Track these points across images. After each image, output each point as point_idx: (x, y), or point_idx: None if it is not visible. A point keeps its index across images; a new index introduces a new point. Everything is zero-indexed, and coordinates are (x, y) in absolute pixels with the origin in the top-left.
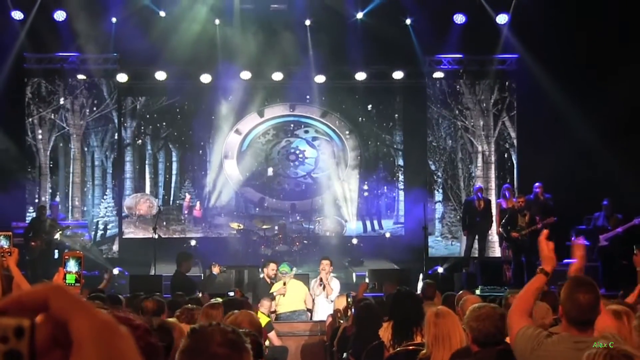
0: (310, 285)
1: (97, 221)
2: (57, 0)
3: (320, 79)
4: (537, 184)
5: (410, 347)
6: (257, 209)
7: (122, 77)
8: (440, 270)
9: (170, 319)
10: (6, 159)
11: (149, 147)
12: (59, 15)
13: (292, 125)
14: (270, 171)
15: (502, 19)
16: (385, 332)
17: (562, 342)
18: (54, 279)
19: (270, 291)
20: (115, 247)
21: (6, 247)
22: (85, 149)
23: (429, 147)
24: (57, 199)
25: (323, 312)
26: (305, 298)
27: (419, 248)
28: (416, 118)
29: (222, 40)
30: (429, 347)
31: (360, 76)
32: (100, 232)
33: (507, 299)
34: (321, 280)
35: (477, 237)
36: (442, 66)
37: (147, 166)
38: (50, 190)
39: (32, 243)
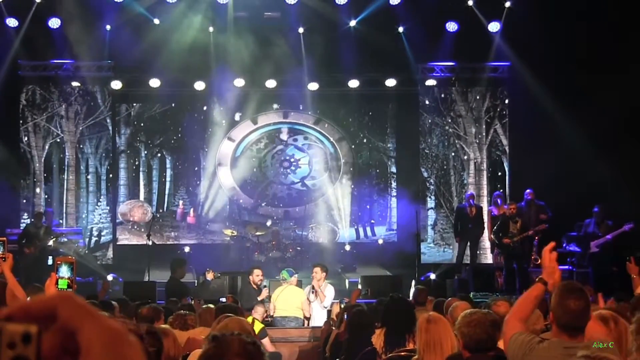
0: (304, 292)
1: (92, 228)
2: (52, 8)
3: (313, 86)
4: (528, 190)
5: (402, 354)
6: (251, 216)
7: (116, 85)
8: (432, 276)
9: (163, 325)
10: (0, 166)
11: (143, 154)
12: (54, 23)
13: (285, 133)
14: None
15: (494, 26)
16: (377, 339)
17: (553, 348)
18: (46, 284)
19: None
20: (110, 254)
21: (0, 253)
22: (80, 155)
23: (422, 154)
24: (52, 205)
25: (317, 318)
26: (302, 306)
27: (412, 255)
28: (409, 125)
29: (216, 47)
30: (420, 353)
31: (353, 83)
32: (94, 239)
33: (490, 306)
34: (313, 287)
35: (469, 243)
36: (434, 74)
37: (141, 173)
38: (44, 197)
39: (26, 250)
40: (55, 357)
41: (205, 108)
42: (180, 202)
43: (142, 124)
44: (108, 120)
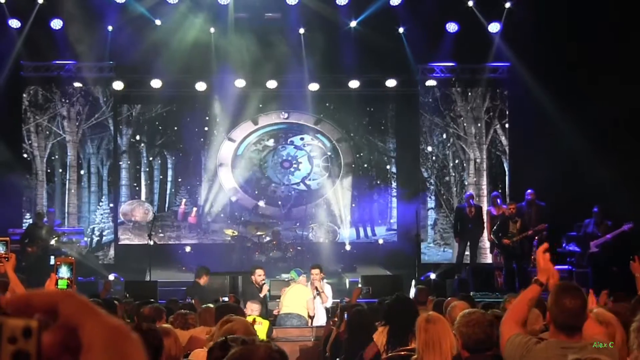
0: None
1: (93, 227)
2: (54, 9)
3: (314, 86)
4: (529, 190)
5: (402, 353)
6: (252, 216)
7: (117, 85)
8: (432, 276)
9: (165, 325)
10: (3, 166)
11: (144, 154)
12: (56, 24)
13: (286, 133)
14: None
15: (494, 27)
16: (379, 337)
17: (550, 348)
18: (45, 284)
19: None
20: (111, 253)
21: (3, 252)
22: (82, 156)
23: (422, 155)
24: (54, 205)
25: (319, 318)
26: (307, 304)
27: (412, 254)
28: (409, 126)
29: (217, 48)
30: (419, 352)
31: (354, 84)
32: (96, 239)
33: (505, 304)
34: (316, 288)
35: (468, 243)
36: (434, 74)
37: (142, 173)
38: (46, 197)
39: (29, 249)
40: (56, 354)
41: (206, 108)
42: (183, 201)
43: (143, 125)
44: (110, 121)
